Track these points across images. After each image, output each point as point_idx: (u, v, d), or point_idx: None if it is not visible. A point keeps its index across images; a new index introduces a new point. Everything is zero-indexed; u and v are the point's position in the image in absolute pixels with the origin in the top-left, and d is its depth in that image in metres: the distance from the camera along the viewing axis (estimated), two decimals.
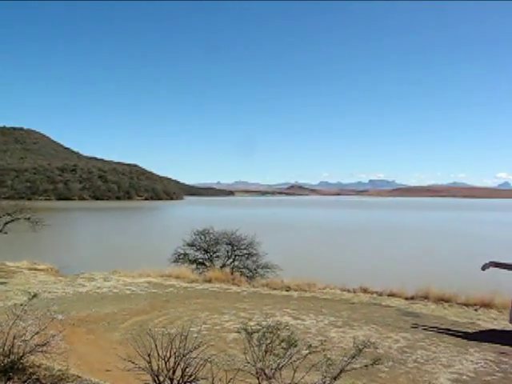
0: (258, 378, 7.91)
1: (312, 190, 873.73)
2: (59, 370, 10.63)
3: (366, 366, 8.37)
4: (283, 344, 8.01)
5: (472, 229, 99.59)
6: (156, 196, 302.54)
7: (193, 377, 8.18)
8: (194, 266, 31.52)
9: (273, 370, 7.83)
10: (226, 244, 32.20)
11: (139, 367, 8.44)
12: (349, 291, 24.93)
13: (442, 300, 23.01)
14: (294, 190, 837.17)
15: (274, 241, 51.34)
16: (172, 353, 8.31)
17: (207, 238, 32.53)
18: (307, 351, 8.34)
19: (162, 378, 8.14)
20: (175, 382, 8.12)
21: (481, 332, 18.20)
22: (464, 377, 12.91)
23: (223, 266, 31.12)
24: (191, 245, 32.35)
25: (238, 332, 9.07)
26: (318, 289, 25.35)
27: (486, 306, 22.09)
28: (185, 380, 8.11)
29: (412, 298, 23.55)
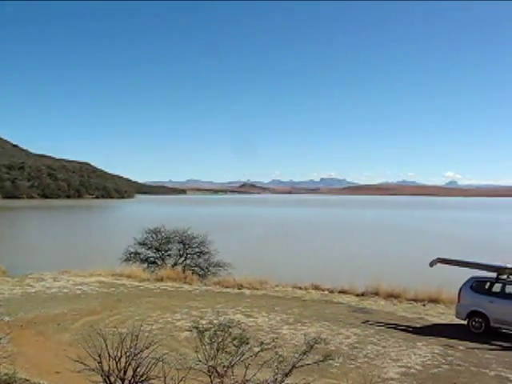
0: (210, 376, 7.92)
1: (264, 189, 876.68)
2: (5, 374, 10.39)
3: (317, 362, 8.46)
4: (235, 342, 8.04)
5: (420, 226, 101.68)
6: (107, 194, 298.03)
7: (144, 376, 8.12)
8: (146, 264, 31.25)
9: (225, 368, 7.85)
10: (178, 242, 32.06)
11: (90, 368, 8.33)
12: (300, 289, 25.19)
13: (391, 296, 23.55)
14: (247, 188, 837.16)
15: (226, 239, 51.32)
16: (123, 352, 8.24)
17: (159, 237, 32.29)
18: (259, 348, 8.39)
19: (113, 379, 8.06)
20: (126, 382, 8.05)
21: (428, 326, 18.76)
22: (412, 370, 13.28)
23: (175, 264, 30.97)
24: (142, 243, 32.04)
25: (190, 330, 9.07)
26: (270, 287, 25.54)
27: (434, 301, 22.75)
28: (136, 380, 8.05)
29: (362, 295, 24.00)
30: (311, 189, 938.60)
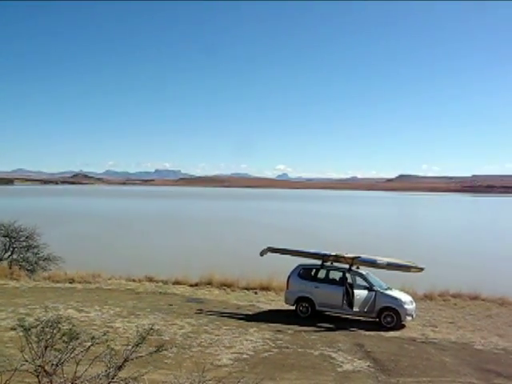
0: (38, 376, 7.59)
1: (98, 179, 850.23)
2: None
3: (150, 353, 8.46)
4: (64, 338, 7.77)
5: (252, 217, 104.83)
6: None
7: None
8: None
9: (53, 366, 7.57)
10: (3, 236, 30.11)
11: None
12: (134, 281, 25.05)
13: (224, 285, 24.25)
14: (79, 178, 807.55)
15: (56, 232, 49.33)
16: None
17: None
18: (90, 343, 8.20)
19: None
20: None
21: (260, 313, 19.62)
22: (244, 355, 13.80)
23: (0, 260, 29.14)
24: None
25: (15, 329, 8.62)
26: (103, 280, 25.11)
27: (265, 289, 23.83)
28: None
29: (196, 285, 24.45)
30: (145, 180, 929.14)
